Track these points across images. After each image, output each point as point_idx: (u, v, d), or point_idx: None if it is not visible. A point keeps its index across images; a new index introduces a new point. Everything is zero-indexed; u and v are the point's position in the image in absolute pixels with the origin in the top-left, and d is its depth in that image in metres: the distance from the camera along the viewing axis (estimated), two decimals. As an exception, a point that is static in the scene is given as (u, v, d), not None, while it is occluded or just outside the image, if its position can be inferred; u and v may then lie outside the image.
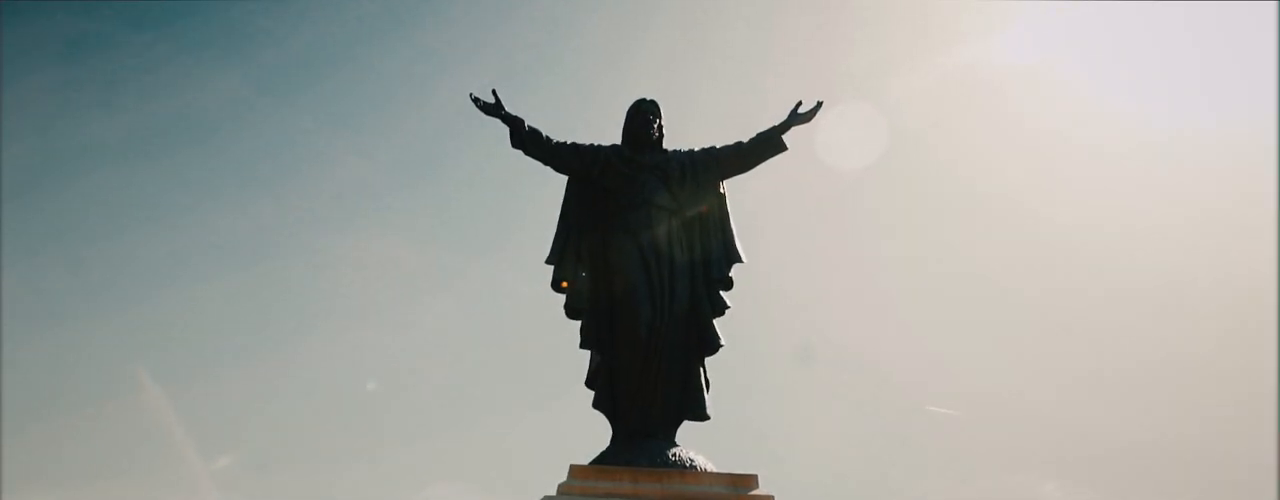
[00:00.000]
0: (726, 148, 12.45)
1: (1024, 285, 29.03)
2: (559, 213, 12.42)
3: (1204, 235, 27.52)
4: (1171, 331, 27.86)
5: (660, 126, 12.53)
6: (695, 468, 11.15)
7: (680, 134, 12.67)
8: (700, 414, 11.88)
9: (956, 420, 25.78)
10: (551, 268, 12.13)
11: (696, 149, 12.51)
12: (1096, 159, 28.69)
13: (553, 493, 10.75)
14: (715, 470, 11.20)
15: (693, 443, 11.77)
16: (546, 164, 12.43)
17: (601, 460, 11.35)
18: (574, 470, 10.91)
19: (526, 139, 12.27)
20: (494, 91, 12.32)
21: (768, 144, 12.35)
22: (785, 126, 12.33)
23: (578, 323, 12.18)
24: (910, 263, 29.07)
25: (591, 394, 11.99)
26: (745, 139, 12.40)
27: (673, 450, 11.37)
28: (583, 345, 12.14)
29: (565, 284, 12.08)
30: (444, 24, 31.19)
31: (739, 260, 12.23)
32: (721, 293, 12.13)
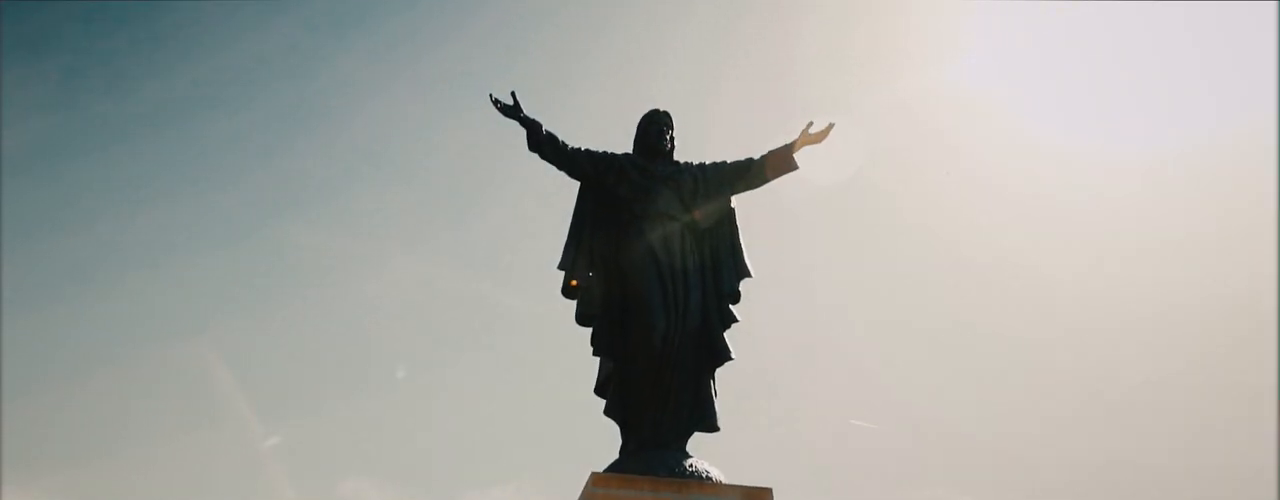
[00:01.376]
0: (737, 163, 12.50)
1: (985, 302, 29.23)
2: (571, 220, 12.36)
3: (1190, 248, 27.70)
4: (1157, 344, 28.11)
5: (672, 138, 12.58)
6: (711, 479, 11.13)
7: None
8: (711, 425, 11.85)
9: (878, 434, 25.98)
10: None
11: (707, 162, 12.54)
12: (1071, 169, 28.86)
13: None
14: (728, 482, 11.19)
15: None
16: (560, 168, 12.36)
17: (617, 469, 11.29)
18: (595, 478, 10.81)
19: (544, 142, 12.22)
20: (512, 93, 12.25)
21: (779, 162, 12.43)
22: (796, 145, 12.40)
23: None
24: (870, 278, 29.19)
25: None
26: (755, 155, 12.47)
27: (688, 461, 11.32)
28: (594, 352, 12.07)
29: (574, 283, 12.01)
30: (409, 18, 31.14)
31: (748, 274, 12.26)
32: (730, 306, 12.15)
